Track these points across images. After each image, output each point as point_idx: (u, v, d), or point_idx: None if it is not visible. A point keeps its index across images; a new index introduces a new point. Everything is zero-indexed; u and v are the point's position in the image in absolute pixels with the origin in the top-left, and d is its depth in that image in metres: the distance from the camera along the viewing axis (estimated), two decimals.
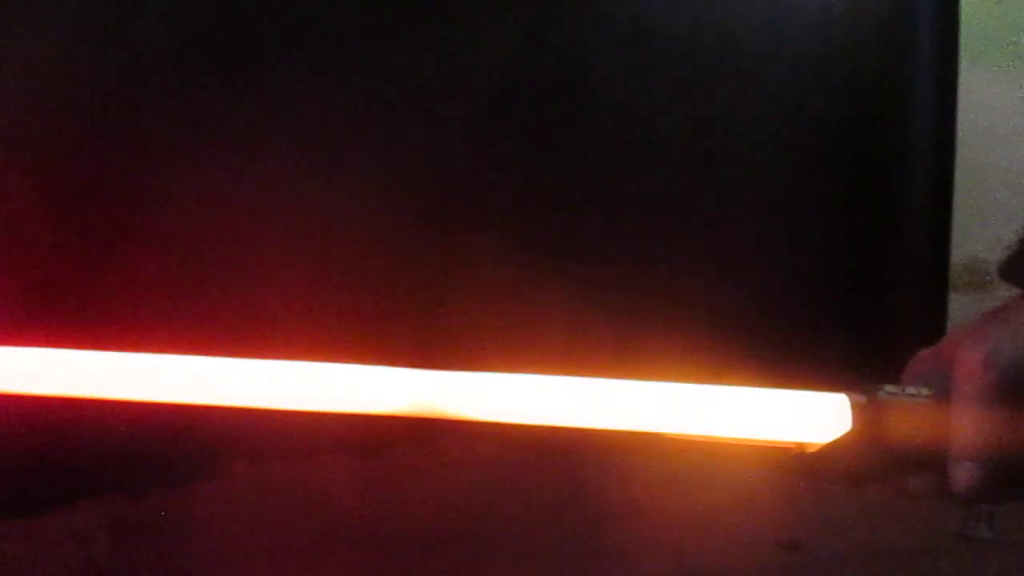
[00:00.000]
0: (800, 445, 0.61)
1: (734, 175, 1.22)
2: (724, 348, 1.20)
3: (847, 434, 0.58)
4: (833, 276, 1.25)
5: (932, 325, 1.25)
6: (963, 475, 0.54)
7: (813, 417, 0.59)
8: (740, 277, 1.23)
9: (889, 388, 0.58)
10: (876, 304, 1.26)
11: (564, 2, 1.18)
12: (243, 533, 0.91)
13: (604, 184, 1.20)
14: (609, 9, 1.18)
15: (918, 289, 1.25)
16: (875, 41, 1.22)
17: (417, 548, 0.91)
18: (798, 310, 1.24)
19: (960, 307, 1.27)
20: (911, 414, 0.57)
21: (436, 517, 0.95)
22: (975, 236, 1.27)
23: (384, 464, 1.08)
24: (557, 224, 1.19)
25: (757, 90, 1.20)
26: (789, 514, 1.00)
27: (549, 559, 0.88)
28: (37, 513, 0.88)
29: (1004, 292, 1.33)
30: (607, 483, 1.07)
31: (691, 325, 1.20)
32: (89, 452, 1.09)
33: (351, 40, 1.13)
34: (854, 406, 0.58)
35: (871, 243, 1.24)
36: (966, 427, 0.54)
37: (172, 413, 1.10)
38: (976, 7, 1.24)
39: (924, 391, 0.57)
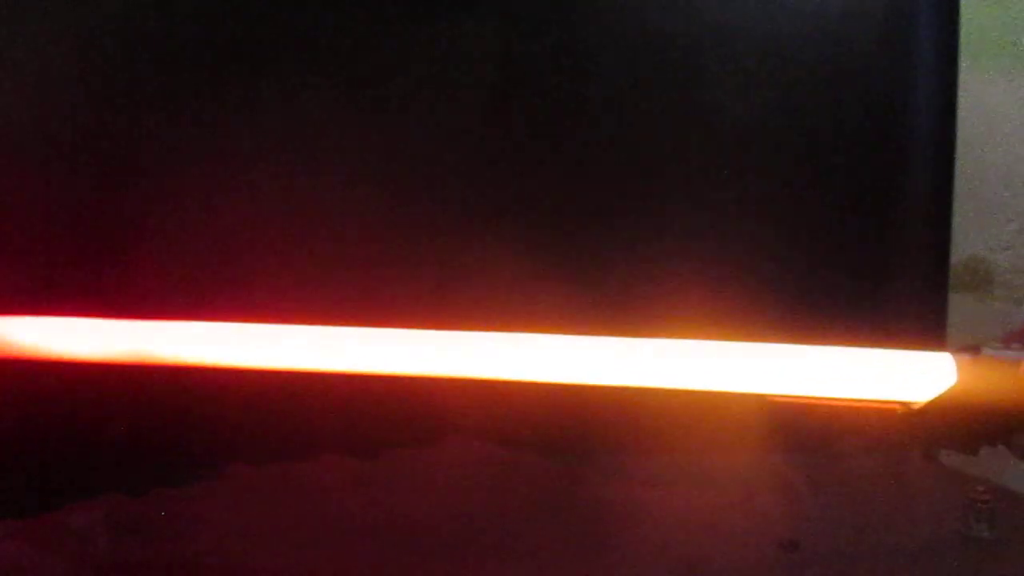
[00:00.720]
0: (905, 404, 0.61)
1: (733, 176, 1.22)
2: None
3: (952, 390, 0.58)
4: (833, 276, 1.25)
5: (932, 325, 1.25)
6: None
7: (919, 375, 0.60)
8: (735, 278, 1.23)
9: (992, 346, 0.59)
10: (876, 304, 1.26)
11: (565, 1, 1.18)
12: (243, 533, 0.91)
13: (606, 184, 1.20)
14: (610, 9, 1.18)
15: (918, 289, 1.25)
16: (875, 41, 1.22)
17: (417, 548, 0.91)
18: (796, 312, 1.24)
19: (960, 307, 1.27)
20: (1014, 370, 0.58)
21: (436, 517, 0.95)
22: (975, 236, 1.27)
23: (384, 464, 1.08)
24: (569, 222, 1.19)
25: (757, 90, 1.20)
26: (789, 514, 1.00)
27: (549, 559, 0.88)
28: (37, 513, 0.88)
29: (1004, 292, 1.34)
30: (607, 483, 1.07)
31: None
32: (89, 452, 1.09)
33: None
34: (959, 362, 0.59)
35: (871, 243, 1.24)
36: None
37: (173, 412, 1.10)
38: (976, 7, 1.24)
39: None
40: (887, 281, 1.25)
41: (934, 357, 0.61)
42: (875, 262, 1.25)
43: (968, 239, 1.26)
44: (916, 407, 0.61)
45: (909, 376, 0.60)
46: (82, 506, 0.91)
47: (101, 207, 1.08)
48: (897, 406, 0.62)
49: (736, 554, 0.90)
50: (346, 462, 1.08)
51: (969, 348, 0.60)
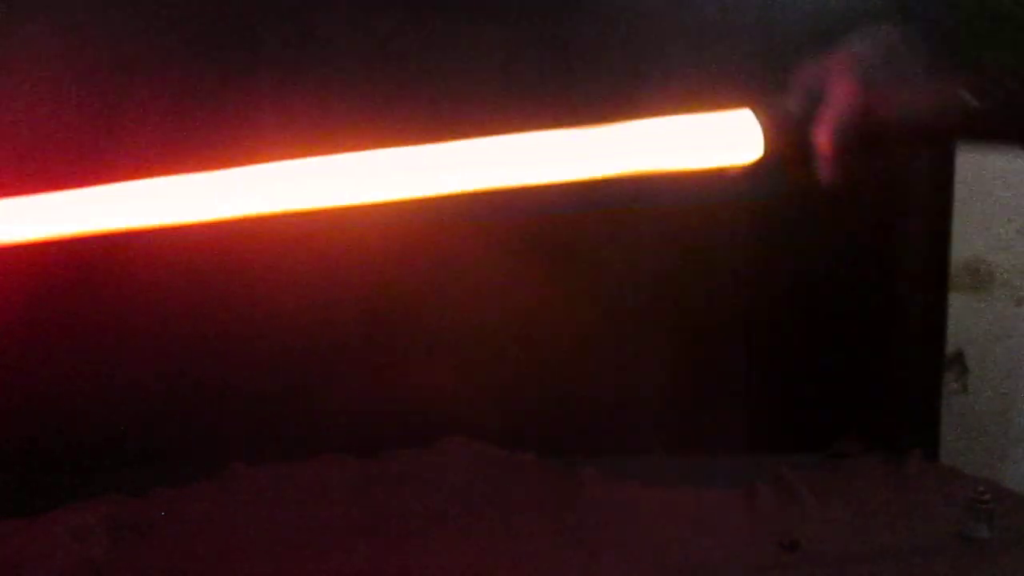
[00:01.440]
0: (723, 167, 0.63)
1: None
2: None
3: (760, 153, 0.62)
4: (832, 276, 1.25)
5: (932, 325, 1.25)
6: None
7: (727, 138, 0.63)
8: (734, 277, 1.23)
9: (788, 101, 0.64)
10: (876, 304, 1.26)
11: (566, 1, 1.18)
12: (243, 533, 0.91)
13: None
14: (609, 8, 1.18)
15: (918, 289, 1.25)
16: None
17: (416, 547, 0.91)
18: (795, 327, 1.24)
19: (960, 307, 1.27)
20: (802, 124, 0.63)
21: (435, 517, 0.95)
22: (975, 236, 1.27)
23: (384, 464, 1.08)
24: None
25: (757, 90, 1.20)
26: (789, 514, 1.00)
27: (549, 559, 0.88)
28: (37, 513, 0.88)
29: (1004, 292, 1.34)
30: (607, 483, 1.07)
31: None
32: (89, 452, 1.09)
33: None
34: (762, 127, 0.63)
35: (871, 243, 1.24)
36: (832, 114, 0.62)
37: (173, 411, 1.10)
38: None
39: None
40: (885, 283, 1.25)
41: (738, 118, 0.63)
42: (873, 263, 1.25)
43: (968, 239, 1.26)
44: (733, 171, 0.63)
45: (719, 141, 0.62)
46: (82, 506, 0.91)
47: None
48: (715, 170, 0.63)
49: (736, 554, 0.90)
50: (346, 462, 1.09)
51: (772, 103, 0.64)
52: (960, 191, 1.23)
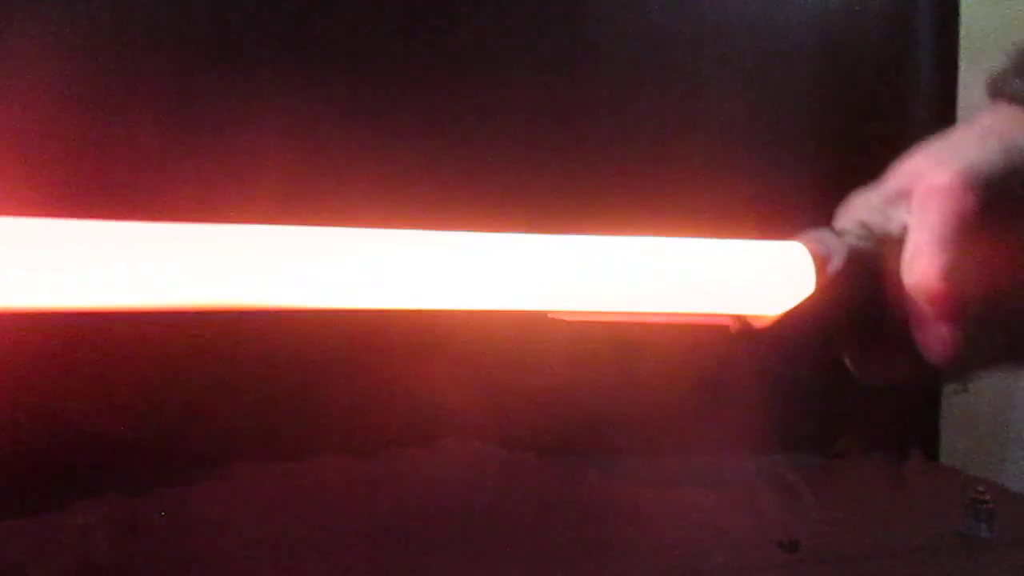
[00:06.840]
0: (741, 320, 0.42)
1: (733, 175, 1.22)
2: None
3: (807, 300, 0.42)
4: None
5: None
6: (938, 340, 0.38)
7: (767, 281, 0.41)
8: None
9: (848, 231, 0.40)
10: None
11: (567, 2, 1.18)
12: (243, 533, 0.91)
13: (602, 182, 1.20)
14: (611, 8, 1.18)
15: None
16: (875, 41, 1.22)
17: (417, 548, 0.91)
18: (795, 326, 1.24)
19: None
20: (867, 266, 0.41)
21: (436, 517, 0.95)
22: None
23: (384, 464, 1.08)
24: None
25: (757, 89, 1.21)
26: (789, 514, 1.00)
27: (550, 559, 0.88)
28: (37, 513, 0.88)
29: None
30: (607, 483, 1.07)
31: None
32: (89, 452, 1.09)
33: None
34: (815, 260, 0.43)
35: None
36: (936, 273, 0.38)
37: (173, 411, 1.10)
38: (976, 7, 1.24)
39: (868, 234, 0.42)
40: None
41: (785, 249, 0.42)
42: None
43: None
44: (760, 324, 0.42)
45: (755, 284, 0.42)
46: (82, 506, 0.91)
47: None
48: (733, 322, 0.42)
49: (736, 554, 0.90)
50: (346, 462, 1.08)
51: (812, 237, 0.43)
52: None
